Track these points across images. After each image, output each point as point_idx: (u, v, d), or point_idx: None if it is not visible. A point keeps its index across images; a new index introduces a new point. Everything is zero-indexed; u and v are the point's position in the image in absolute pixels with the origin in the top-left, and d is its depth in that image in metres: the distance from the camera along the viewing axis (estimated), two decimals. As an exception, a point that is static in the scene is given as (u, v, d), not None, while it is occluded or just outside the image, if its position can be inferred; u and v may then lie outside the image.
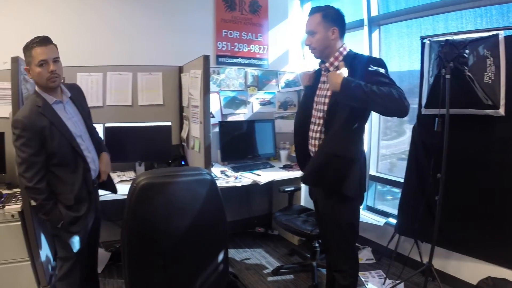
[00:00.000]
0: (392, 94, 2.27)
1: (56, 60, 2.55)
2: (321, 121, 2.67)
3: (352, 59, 2.57)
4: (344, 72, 2.40)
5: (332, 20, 2.56)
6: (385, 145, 4.55)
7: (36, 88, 2.56)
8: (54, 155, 2.49)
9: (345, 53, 2.62)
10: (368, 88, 2.29)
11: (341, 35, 2.62)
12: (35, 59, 2.43)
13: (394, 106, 2.30)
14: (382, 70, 2.43)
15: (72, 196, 2.57)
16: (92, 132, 2.88)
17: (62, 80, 2.67)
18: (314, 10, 2.61)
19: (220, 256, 2.38)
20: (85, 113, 2.85)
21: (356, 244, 3.41)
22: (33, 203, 2.92)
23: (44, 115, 2.46)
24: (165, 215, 2.11)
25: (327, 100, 2.63)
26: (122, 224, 2.13)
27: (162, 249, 2.13)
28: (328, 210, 2.73)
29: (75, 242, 2.68)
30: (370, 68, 2.42)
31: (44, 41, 2.48)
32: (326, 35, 2.56)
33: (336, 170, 2.58)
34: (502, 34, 2.88)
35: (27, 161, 2.41)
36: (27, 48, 2.46)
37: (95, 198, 2.89)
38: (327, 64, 2.66)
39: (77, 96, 2.84)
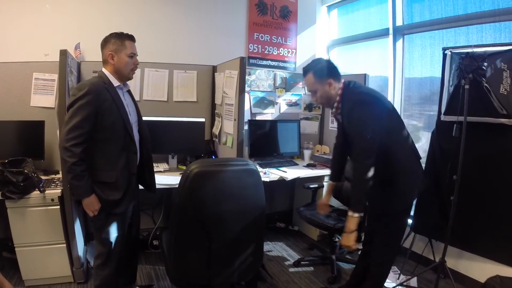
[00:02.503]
0: (360, 176, 2.56)
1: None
2: None
3: (342, 98, 2.76)
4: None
5: (324, 74, 2.74)
6: None
7: (105, 70, 2.73)
8: (108, 129, 2.61)
9: (341, 93, 2.77)
10: (358, 193, 2.61)
11: (338, 80, 2.78)
12: (128, 49, 2.71)
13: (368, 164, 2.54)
14: (358, 116, 2.61)
15: (114, 174, 2.67)
16: (142, 127, 3.01)
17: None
18: (305, 71, 2.83)
19: (259, 241, 2.62)
20: (137, 109, 3.02)
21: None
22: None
23: (108, 91, 2.63)
24: (214, 201, 2.33)
25: None
26: (173, 208, 2.40)
27: (209, 230, 2.37)
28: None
29: (114, 228, 2.78)
30: (352, 115, 2.64)
31: (133, 37, 2.78)
32: (325, 90, 2.76)
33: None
34: (519, 48, 3.04)
35: (74, 124, 2.46)
36: (119, 37, 2.69)
37: (136, 185, 3.01)
38: (333, 111, 2.88)
39: (131, 94, 3.05)
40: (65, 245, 3.44)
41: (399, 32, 4.59)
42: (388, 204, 2.78)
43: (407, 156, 2.80)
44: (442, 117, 3.53)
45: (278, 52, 5.44)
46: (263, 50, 5.33)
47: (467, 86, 3.11)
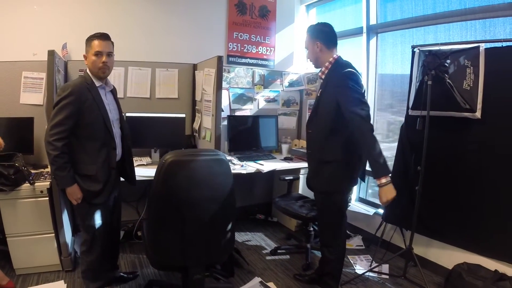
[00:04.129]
0: (368, 139, 2.73)
1: (110, 54, 2.92)
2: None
3: (334, 68, 3.01)
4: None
5: (315, 35, 3.07)
6: (387, 147, 4.62)
7: (89, 71, 2.89)
8: (88, 127, 2.79)
9: (333, 62, 3.03)
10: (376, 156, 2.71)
11: (328, 46, 3.06)
12: (93, 49, 2.81)
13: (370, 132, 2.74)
14: (351, 85, 2.81)
15: (95, 167, 2.84)
16: (123, 124, 3.19)
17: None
18: (306, 30, 3.15)
19: (229, 225, 2.78)
20: (119, 108, 3.20)
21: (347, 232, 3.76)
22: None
23: (90, 91, 2.80)
24: (187, 187, 2.49)
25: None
26: (150, 194, 2.57)
27: (182, 215, 2.52)
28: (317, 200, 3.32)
29: (97, 217, 2.96)
30: (345, 83, 2.81)
31: (103, 36, 2.87)
32: (313, 49, 3.08)
33: (311, 171, 3.23)
34: (483, 46, 3.20)
35: (57, 121, 2.66)
36: (89, 39, 2.85)
37: (116, 178, 3.17)
38: (319, 73, 3.12)
39: (115, 93, 3.19)
40: (53, 234, 3.56)
41: (372, 30, 4.74)
42: (323, 182, 3.11)
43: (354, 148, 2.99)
44: (410, 112, 3.68)
45: (257, 50, 5.58)
46: (242, 48, 5.46)
47: (429, 82, 3.26)
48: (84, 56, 2.90)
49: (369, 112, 2.77)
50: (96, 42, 2.83)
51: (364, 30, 4.76)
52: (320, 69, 3.11)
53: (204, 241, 2.67)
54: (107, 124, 2.89)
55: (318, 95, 3.08)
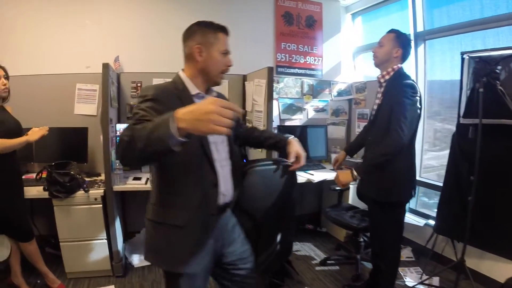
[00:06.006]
0: (393, 147, 2.80)
1: None
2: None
3: (396, 76, 3.01)
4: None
5: (401, 42, 3.03)
6: (434, 156, 4.67)
7: (182, 74, 2.09)
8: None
9: (396, 70, 3.04)
10: (372, 161, 2.90)
11: (403, 57, 3.07)
12: (221, 45, 2.07)
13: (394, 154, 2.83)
14: (407, 98, 2.84)
15: (187, 215, 1.97)
16: (232, 149, 2.21)
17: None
18: (392, 30, 3.09)
19: (291, 229, 2.83)
20: None
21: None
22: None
23: (180, 100, 1.92)
24: (262, 196, 2.47)
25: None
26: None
27: (257, 223, 2.47)
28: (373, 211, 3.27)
29: None
30: (402, 94, 2.84)
31: (228, 31, 2.15)
32: (391, 51, 3.03)
33: (367, 180, 3.14)
34: (534, 50, 3.09)
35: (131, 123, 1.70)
36: (210, 28, 2.07)
37: (219, 232, 2.15)
38: (379, 76, 3.12)
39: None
40: (106, 241, 3.72)
41: (420, 37, 4.66)
42: (384, 192, 3.03)
43: (412, 157, 3.07)
44: (461, 120, 3.59)
45: (305, 60, 5.58)
46: (290, 58, 5.48)
47: (481, 90, 3.19)
48: (197, 47, 2.02)
49: (407, 136, 2.82)
50: (224, 37, 2.11)
51: (412, 37, 4.68)
52: (380, 71, 3.14)
53: (272, 248, 2.66)
54: (204, 148, 1.99)
55: (379, 102, 3.10)
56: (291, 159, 2.35)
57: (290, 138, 2.44)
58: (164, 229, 2.00)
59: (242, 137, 2.56)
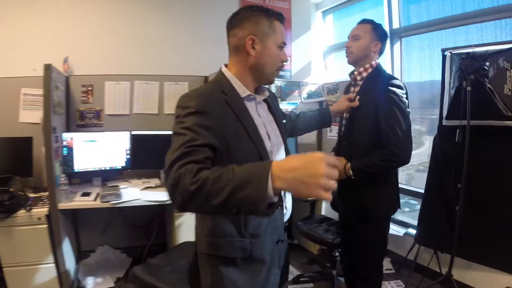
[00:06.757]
0: (391, 162, 2.52)
1: None
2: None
3: (376, 74, 2.68)
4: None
5: (379, 35, 2.69)
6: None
7: (226, 71, 1.73)
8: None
9: (374, 66, 2.70)
10: (371, 167, 2.53)
11: (380, 52, 2.74)
12: (278, 36, 1.69)
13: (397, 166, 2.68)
14: (397, 99, 2.52)
15: (246, 243, 1.64)
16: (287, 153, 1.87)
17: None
18: (366, 21, 2.74)
19: None
20: (281, 124, 1.91)
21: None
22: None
23: (229, 105, 1.60)
24: None
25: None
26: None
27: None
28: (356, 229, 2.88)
29: None
30: (391, 94, 2.52)
31: (284, 19, 1.76)
32: (369, 46, 2.66)
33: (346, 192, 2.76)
34: (523, 45, 2.89)
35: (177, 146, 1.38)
36: (265, 14, 1.66)
37: (285, 256, 1.92)
38: (355, 73, 2.75)
39: (273, 100, 1.97)
40: (54, 264, 3.40)
41: (396, 35, 4.48)
42: (375, 206, 2.70)
43: None
44: (444, 122, 3.36)
45: None
46: None
47: (469, 88, 2.95)
48: (250, 39, 1.63)
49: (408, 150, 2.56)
50: (282, 28, 1.72)
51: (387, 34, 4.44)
52: (355, 68, 2.78)
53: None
54: (263, 158, 1.64)
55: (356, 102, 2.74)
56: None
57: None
58: (222, 263, 1.67)
59: (296, 131, 2.50)
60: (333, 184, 1.10)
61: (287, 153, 1.85)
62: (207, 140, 1.41)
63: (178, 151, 1.35)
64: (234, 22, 1.70)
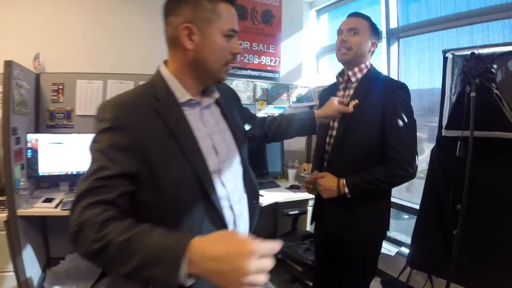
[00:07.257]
0: (399, 178, 2.27)
1: None
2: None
3: (373, 76, 2.40)
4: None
5: (376, 33, 2.44)
6: None
7: (164, 70, 1.41)
8: (165, 195, 1.26)
9: (369, 67, 2.43)
10: (373, 183, 2.25)
11: (371, 53, 2.49)
12: (226, 22, 1.36)
13: (404, 182, 2.34)
14: (406, 105, 2.30)
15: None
16: (247, 172, 1.60)
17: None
18: (362, 15, 2.43)
19: None
20: (238, 131, 1.61)
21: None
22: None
23: (160, 116, 1.29)
24: None
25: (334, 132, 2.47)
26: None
27: None
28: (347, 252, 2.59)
29: None
30: (400, 100, 2.28)
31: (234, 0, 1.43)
32: (368, 43, 2.40)
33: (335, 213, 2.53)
34: (535, 47, 2.56)
35: (90, 172, 1.19)
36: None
37: None
38: (349, 73, 2.42)
39: (227, 99, 1.65)
40: (13, 273, 3.29)
41: (393, 35, 4.18)
42: (368, 229, 2.41)
43: None
44: (444, 132, 2.99)
45: (260, 60, 5.03)
46: (242, 58, 4.90)
47: (473, 94, 2.58)
48: (185, 27, 1.31)
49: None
50: (230, 10, 1.39)
51: (384, 35, 4.17)
52: (348, 68, 2.46)
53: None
54: (202, 183, 1.32)
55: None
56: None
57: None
58: None
59: (271, 136, 2.12)
60: (262, 280, 0.97)
61: (245, 168, 1.57)
62: (121, 168, 1.17)
63: (87, 182, 1.16)
64: (169, 7, 1.37)
